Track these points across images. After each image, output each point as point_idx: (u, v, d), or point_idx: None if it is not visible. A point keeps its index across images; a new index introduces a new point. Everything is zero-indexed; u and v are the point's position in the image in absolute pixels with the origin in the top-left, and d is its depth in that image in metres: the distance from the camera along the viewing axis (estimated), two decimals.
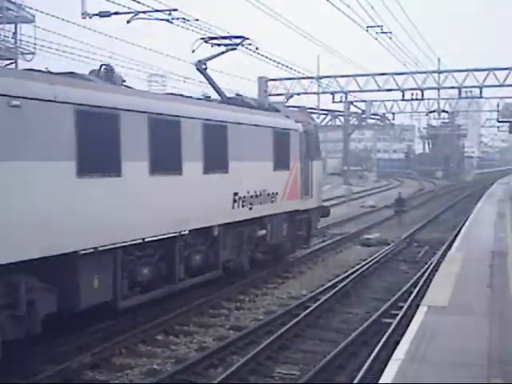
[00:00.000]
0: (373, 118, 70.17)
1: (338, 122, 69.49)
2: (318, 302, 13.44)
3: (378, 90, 42.26)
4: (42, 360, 9.76)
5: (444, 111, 62.09)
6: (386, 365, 7.15)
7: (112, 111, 10.64)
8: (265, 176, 16.08)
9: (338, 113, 66.84)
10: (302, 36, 43.23)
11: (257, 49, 19.90)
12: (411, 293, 14.26)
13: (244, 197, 14.94)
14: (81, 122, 9.90)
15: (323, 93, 44.66)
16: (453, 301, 9.79)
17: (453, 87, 42.87)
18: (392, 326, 11.36)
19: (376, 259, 19.18)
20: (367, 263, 18.47)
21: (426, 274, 16.18)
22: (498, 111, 58.47)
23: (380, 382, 6.49)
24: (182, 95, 14.63)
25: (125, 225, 10.95)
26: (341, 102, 44.90)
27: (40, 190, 9.16)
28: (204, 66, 17.18)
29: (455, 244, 16.37)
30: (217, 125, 13.93)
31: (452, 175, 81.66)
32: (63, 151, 9.64)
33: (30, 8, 30.57)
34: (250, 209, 15.23)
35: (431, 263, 17.80)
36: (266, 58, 33.51)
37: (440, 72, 43.30)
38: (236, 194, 14.63)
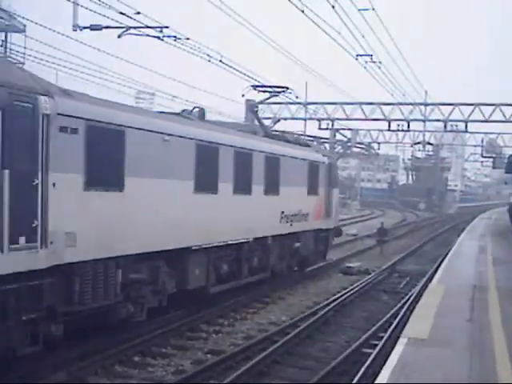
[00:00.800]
0: (358, 147, 70.47)
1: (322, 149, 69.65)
2: (298, 329, 13.36)
3: (364, 119, 42.60)
4: (14, 378, 9.57)
5: (429, 143, 62.58)
6: None
7: (213, 145, 14.40)
8: (301, 199, 19.61)
9: (323, 140, 67.10)
10: (291, 61, 43.38)
11: (296, 97, 25.10)
12: (391, 323, 14.24)
13: (287, 215, 18.45)
14: (198, 152, 13.65)
15: (310, 119, 44.89)
16: (433, 333, 9.74)
17: (438, 120, 43.28)
18: (371, 357, 11.30)
19: (357, 288, 19.15)
20: (348, 292, 18.44)
21: (407, 305, 16.18)
22: (482, 146, 59.18)
23: None
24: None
25: (216, 230, 14.56)
26: (327, 129, 45.12)
27: (173, 201, 12.81)
28: (256, 109, 23.02)
29: (436, 276, 16.36)
30: (274, 157, 17.63)
31: (434, 207, 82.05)
32: (187, 173, 13.31)
33: (22, 17, 30.46)
34: (291, 225, 18.72)
35: (412, 294, 17.80)
36: (255, 80, 33.66)
37: (426, 104, 43.70)
38: (283, 212, 18.14)
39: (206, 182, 14.03)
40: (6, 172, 8.63)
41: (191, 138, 13.43)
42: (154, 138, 12.14)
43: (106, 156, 10.87)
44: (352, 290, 18.84)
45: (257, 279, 17.31)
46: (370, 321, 15.26)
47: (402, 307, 16.16)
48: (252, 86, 21.29)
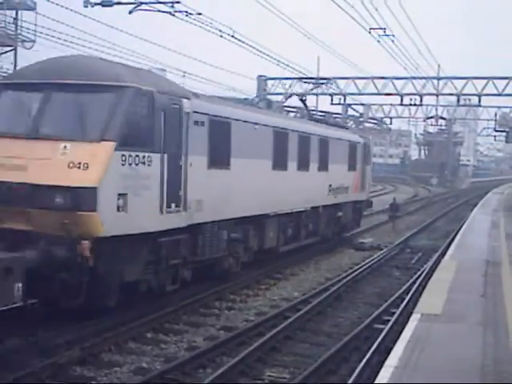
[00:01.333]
0: (370, 122, 70.12)
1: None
2: (310, 305, 13.36)
3: (376, 94, 42.24)
4: (30, 353, 9.63)
5: (442, 118, 62.12)
6: (378, 371, 7.08)
7: (284, 131, 17.61)
8: (343, 175, 22.62)
9: (335, 115, 66.77)
10: (303, 35, 43.05)
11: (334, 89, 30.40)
12: (403, 299, 14.19)
13: (333, 188, 21.53)
14: (275, 137, 16.88)
15: (322, 94, 44.59)
16: (446, 309, 9.72)
17: (451, 94, 42.88)
18: (384, 332, 11.27)
19: (369, 264, 19.12)
20: (360, 267, 18.41)
21: (419, 280, 16.13)
22: (495, 120, 58.72)
23: None
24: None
25: (285, 201, 17.49)
26: (339, 104, 44.84)
27: (259, 176, 15.94)
28: (304, 98, 26.38)
29: (449, 252, 16.31)
30: (325, 139, 20.68)
31: (447, 182, 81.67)
32: (268, 154, 16.52)
33: None
34: (335, 197, 21.75)
35: (424, 270, 17.74)
36: (267, 55, 33.49)
37: (439, 78, 43.32)
38: (330, 185, 21.23)
39: (279, 160, 17.21)
40: (166, 155, 11.72)
41: (270, 126, 16.73)
42: (248, 127, 15.37)
43: (219, 142, 13.91)
44: (364, 265, 18.82)
45: (311, 242, 20.48)
46: (382, 296, 15.24)
47: (414, 283, 16.11)
48: (299, 78, 27.10)
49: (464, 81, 40.97)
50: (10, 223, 10.40)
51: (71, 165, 10.31)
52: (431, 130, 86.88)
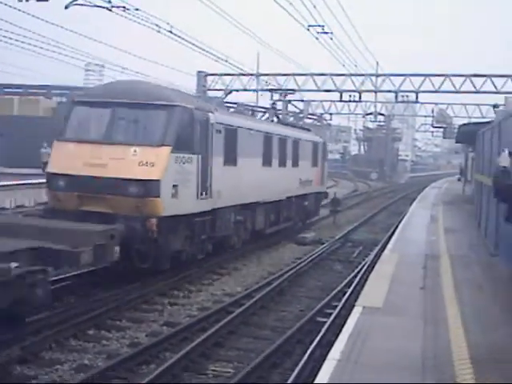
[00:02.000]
0: (310, 118, 70.58)
1: (275, 120, 69.62)
2: (253, 300, 13.39)
3: (316, 90, 42.56)
4: None
5: (380, 114, 63.04)
6: (321, 364, 7.14)
7: (269, 134, 21.31)
8: (309, 170, 26.54)
9: (275, 111, 66.88)
10: (243, 32, 43.10)
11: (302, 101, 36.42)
12: (345, 292, 14.36)
13: (302, 181, 25.27)
14: (264, 140, 20.61)
15: (262, 90, 44.69)
16: (387, 302, 9.86)
17: (390, 91, 43.46)
18: (326, 325, 11.39)
19: (311, 258, 19.27)
20: (302, 262, 18.54)
21: (360, 274, 16.35)
22: (432, 116, 59.85)
23: (316, 382, 6.46)
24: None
25: (269, 191, 21.04)
26: (279, 100, 45.01)
27: (254, 171, 19.46)
28: (274, 104, 34.00)
29: (389, 246, 16.55)
30: (296, 141, 24.51)
31: (386, 177, 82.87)
32: (259, 153, 20.15)
33: None
34: (303, 188, 25.60)
35: (365, 263, 17.98)
36: (206, 51, 33.42)
37: (378, 75, 43.84)
38: (300, 179, 25.00)
39: (267, 159, 20.87)
40: (200, 156, 15.34)
41: (261, 131, 20.48)
42: (247, 132, 18.97)
43: (230, 145, 17.52)
44: (306, 259, 18.95)
45: (286, 226, 23.87)
46: (324, 290, 15.38)
47: (355, 276, 16.33)
48: (239, 74, 33.19)
49: (402, 78, 41.61)
50: (93, 207, 13.75)
51: (141, 163, 13.82)
52: (370, 125, 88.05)
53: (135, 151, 13.93)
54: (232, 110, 23.93)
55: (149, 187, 13.63)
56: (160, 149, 14.02)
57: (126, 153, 13.92)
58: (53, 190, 14.52)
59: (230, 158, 17.57)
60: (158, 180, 13.71)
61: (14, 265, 9.21)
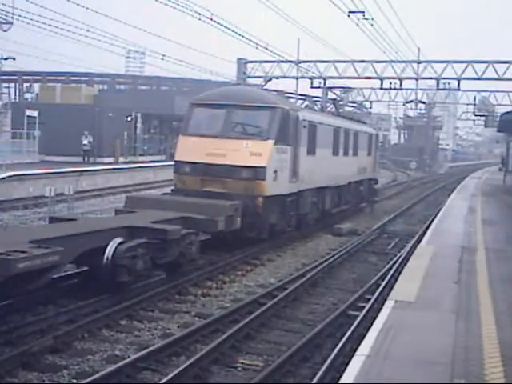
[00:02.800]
0: (350, 106, 70.01)
1: (315, 108, 69.32)
2: (286, 292, 13.35)
3: (356, 78, 42.29)
4: (0, 343, 9.56)
5: (421, 102, 62.27)
6: (349, 359, 7.07)
7: (338, 128, 24.79)
8: (364, 158, 29.57)
9: (315, 98, 66.53)
10: (283, 18, 42.99)
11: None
12: (379, 285, 14.24)
13: (359, 168, 28.42)
14: (333, 133, 23.93)
15: (302, 77, 44.51)
16: (420, 296, 9.72)
17: (431, 78, 42.98)
18: (358, 319, 11.31)
19: (346, 249, 19.16)
20: (337, 253, 18.45)
21: (395, 266, 16.19)
22: (474, 104, 58.96)
23: (343, 378, 6.39)
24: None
25: (336, 177, 24.18)
26: (319, 87, 44.75)
27: (327, 159, 22.83)
28: (341, 102, 37.04)
29: (425, 238, 16.35)
30: (356, 132, 27.65)
31: (425, 167, 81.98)
32: (330, 144, 23.38)
33: None
34: (360, 175, 28.76)
35: (400, 256, 17.81)
36: (246, 38, 33.32)
37: (419, 62, 43.40)
38: (358, 167, 28.14)
39: (335, 149, 24.17)
40: (292, 147, 19.08)
41: (331, 125, 23.90)
42: (323, 126, 22.38)
43: (311, 137, 20.88)
44: (341, 251, 18.85)
45: (346, 208, 26.83)
46: (358, 283, 15.29)
47: (390, 269, 16.17)
48: (279, 61, 35.81)
49: (443, 65, 41.08)
50: (212, 188, 17.56)
51: (251, 154, 17.58)
52: (411, 114, 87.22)
53: (247, 144, 17.76)
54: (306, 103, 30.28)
55: (257, 172, 17.50)
56: (266, 142, 17.88)
57: (240, 145, 17.76)
58: (180, 175, 18.43)
59: (311, 149, 21.07)
60: (264, 167, 17.53)
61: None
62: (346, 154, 25.76)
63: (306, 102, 35.61)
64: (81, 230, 12.05)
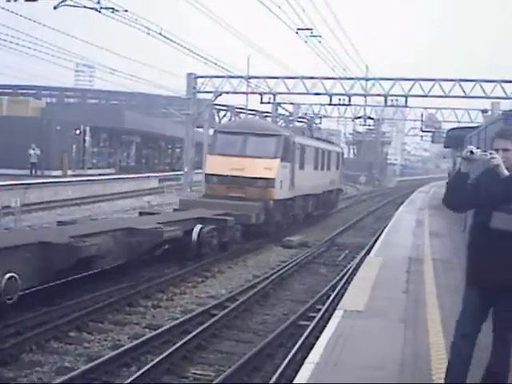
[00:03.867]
0: (300, 121, 70.53)
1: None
2: (237, 303, 13.37)
3: (306, 93, 42.71)
4: None
5: (370, 118, 63.13)
6: (300, 367, 7.13)
7: (317, 148, 31.26)
8: (334, 172, 35.88)
9: (265, 114, 66.91)
10: (233, 35, 43.22)
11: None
12: (329, 296, 14.36)
13: (330, 180, 34.37)
14: (314, 152, 30.23)
15: (252, 93, 44.78)
16: (369, 305, 9.87)
17: (379, 95, 43.68)
18: (309, 329, 11.38)
19: (296, 261, 19.27)
20: (287, 265, 18.54)
21: (345, 277, 16.34)
22: (421, 121, 60.00)
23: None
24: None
25: (315, 187, 29.60)
26: (269, 103, 45.06)
27: (309, 173, 28.49)
28: (310, 127, 40.30)
29: (374, 249, 16.59)
30: (329, 151, 34.27)
31: (375, 181, 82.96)
32: (311, 161, 29.34)
33: None
34: (331, 185, 34.61)
35: (350, 267, 17.98)
36: (195, 53, 33.39)
37: (367, 79, 44.06)
38: (330, 179, 34.20)
39: (315, 164, 30.26)
40: (290, 163, 25.06)
41: (313, 146, 30.29)
42: (309, 147, 28.85)
43: (301, 156, 26.82)
44: (291, 263, 18.95)
45: (320, 212, 32.76)
46: (308, 293, 15.37)
47: (340, 280, 16.32)
48: (229, 76, 41.30)
49: (391, 82, 41.82)
50: (234, 193, 22.99)
51: (264, 168, 23.34)
52: (360, 129, 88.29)
53: (260, 161, 23.58)
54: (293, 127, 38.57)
55: (269, 182, 23.33)
56: (274, 160, 23.92)
57: (255, 162, 23.58)
58: (210, 184, 24.33)
59: (302, 165, 27.12)
60: (274, 178, 23.50)
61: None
62: (322, 168, 32.13)
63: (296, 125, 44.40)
64: (178, 217, 18.57)
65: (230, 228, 19.31)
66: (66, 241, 12.51)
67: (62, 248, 12.19)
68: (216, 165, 24.13)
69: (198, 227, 17.67)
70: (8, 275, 10.69)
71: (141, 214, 20.94)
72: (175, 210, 22.98)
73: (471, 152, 5.37)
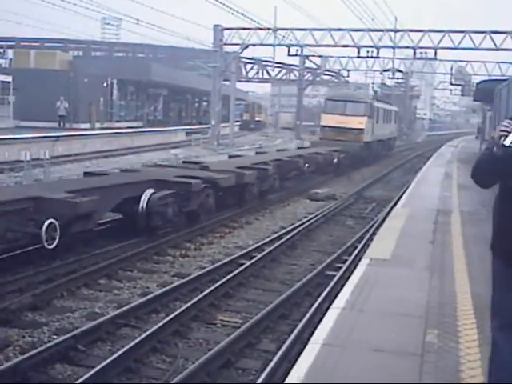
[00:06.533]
0: (327, 74, 69.96)
1: (292, 77, 69.19)
2: (264, 253, 13.47)
3: (333, 46, 42.28)
4: None
5: (398, 71, 62.40)
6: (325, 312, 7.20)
7: (386, 111, 46.57)
8: (393, 125, 50.11)
9: (292, 67, 66.41)
10: None
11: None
12: (356, 247, 14.41)
13: (390, 131, 48.13)
14: (384, 111, 44.78)
15: (279, 45, 44.36)
16: (395, 254, 9.90)
17: (408, 47, 43.12)
18: (335, 279, 11.46)
19: (323, 213, 19.31)
20: (314, 217, 18.59)
21: (372, 229, 16.37)
22: (451, 74, 59.08)
23: (318, 329, 6.52)
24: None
25: (382, 135, 45.84)
26: (296, 55, 44.68)
27: (380, 124, 42.92)
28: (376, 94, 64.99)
29: (401, 201, 16.55)
30: (390, 110, 48.25)
31: (403, 136, 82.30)
32: (381, 117, 43.09)
33: None
34: (391, 134, 49.04)
35: (377, 220, 17.99)
36: (222, 4, 33.11)
37: (396, 31, 43.42)
38: (390, 129, 48.20)
39: (383, 120, 43.00)
40: (371, 120, 39.40)
41: (381, 108, 42.61)
42: (380, 109, 42.01)
43: (377, 114, 40.77)
44: (318, 215, 19.00)
45: (385, 153, 46.48)
46: (335, 245, 15.43)
47: (367, 231, 16.36)
48: (256, 28, 43.52)
49: (420, 34, 41.23)
50: (340, 137, 34.99)
51: (358, 122, 36.18)
52: (388, 83, 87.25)
53: (354, 117, 35.99)
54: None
55: (360, 131, 35.99)
56: (363, 117, 36.42)
57: (352, 118, 35.90)
58: (324, 131, 37.15)
59: (377, 120, 39.94)
60: (363, 128, 36.26)
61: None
62: (386, 122, 45.10)
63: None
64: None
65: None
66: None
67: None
68: (328, 119, 37.04)
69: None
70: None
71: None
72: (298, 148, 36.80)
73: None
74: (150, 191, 14.41)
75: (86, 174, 17.08)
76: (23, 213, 11.24)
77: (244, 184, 18.48)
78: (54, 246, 11.12)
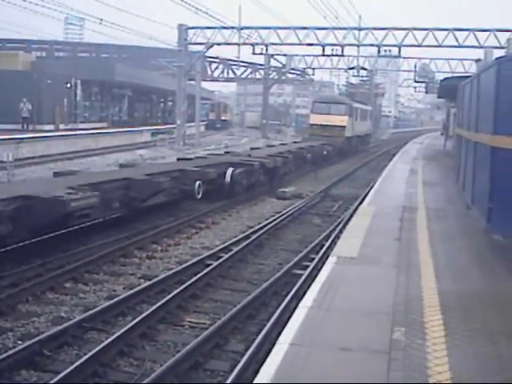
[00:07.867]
0: (293, 73, 70.12)
1: (257, 76, 69.18)
2: (231, 253, 13.43)
3: (298, 44, 42.34)
4: None
5: (363, 68, 62.74)
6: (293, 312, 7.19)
7: (363, 110, 55.09)
8: (368, 123, 58.48)
9: (258, 66, 66.43)
10: None
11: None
12: (323, 245, 14.44)
13: (366, 128, 56.52)
14: (360, 110, 52.27)
15: (244, 44, 44.30)
16: (362, 252, 9.92)
17: (372, 45, 43.33)
18: (303, 277, 11.47)
19: (290, 212, 19.32)
20: (281, 215, 18.59)
21: (339, 227, 16.42)
22: (415, 71, 59.58)
23: (286, 329, 6.50)
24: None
25: (358, 131, 52.44)
26: (261, 54, 44.70)
27: (356, 122, 49.79)
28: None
29: (367, 198, 16.62)
30: (365, 110, 55.98)
31: None
32: (357, 115, 49.43)
33: None
34: (366, 130, 56.24)
35: (344, 217, 18.05)
36: (186, 3, 32.97)
37: (360, 29, 43.66)
38: (366, 127, 56.23)
39: (360, 118, 50.77)
40: (352, 118, 48.31)
41: (358, 107, 50.24)
42: (357, 108, 50.16)
43: (355, 113, 49.26)
44: (285, 213, 19.00)
45: (362, 147, 53.85)
46: (302, 243, 15.45)
47: (334, 230, 16.40)
48: (221, 27, 43.31)
49: (384, 32, 41.46)
50: (326, 133, 42.23)
51: (340, 120, 43.93)
52: (353, 81, 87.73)
53: (337, 116, 43.56)
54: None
55: (342, 128, 43.62)
56: (344, 116, 44.24)
57: (336, 117, 43.44)
58: (312, 128, 44.48)
59: (355, 118, 46.27)
60: (345, 125, 43.99)
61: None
62: (362, 120, 51.56)
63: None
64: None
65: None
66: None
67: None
68: (315, 119, 44.40)
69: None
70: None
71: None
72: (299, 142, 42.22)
73: None
74: (231, 169, 20.55)
75: (198, 158, 24.77)
76: (177, 178, 17.62)
77: (275, 167, 24.16)
78: (200, 196, 17.89)
